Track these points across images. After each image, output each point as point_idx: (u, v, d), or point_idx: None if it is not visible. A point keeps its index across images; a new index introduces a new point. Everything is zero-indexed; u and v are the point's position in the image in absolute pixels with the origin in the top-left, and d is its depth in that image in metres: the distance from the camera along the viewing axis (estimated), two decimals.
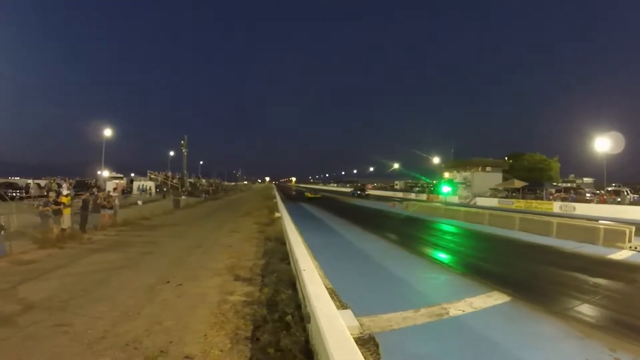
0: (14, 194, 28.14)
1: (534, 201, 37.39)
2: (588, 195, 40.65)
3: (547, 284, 9.58)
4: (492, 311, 7.39)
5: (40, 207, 14.55)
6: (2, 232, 10.70)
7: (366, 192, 68.20)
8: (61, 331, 5.52)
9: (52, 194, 14.03)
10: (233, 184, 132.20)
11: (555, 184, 49.70)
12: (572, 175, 69.70)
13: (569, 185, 54.77)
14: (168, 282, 8.34)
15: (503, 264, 12.10)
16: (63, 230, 13.34)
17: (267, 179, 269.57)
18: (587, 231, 15.79)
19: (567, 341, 5.94)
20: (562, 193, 41.15)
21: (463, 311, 7.27)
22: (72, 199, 15.55)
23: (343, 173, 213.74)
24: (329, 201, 50.43)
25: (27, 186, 35.60)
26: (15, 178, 60.97)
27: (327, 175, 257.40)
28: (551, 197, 39.75)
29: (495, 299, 8.11)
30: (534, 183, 45.91)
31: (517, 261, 12.62)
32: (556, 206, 33.50)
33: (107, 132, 37.77)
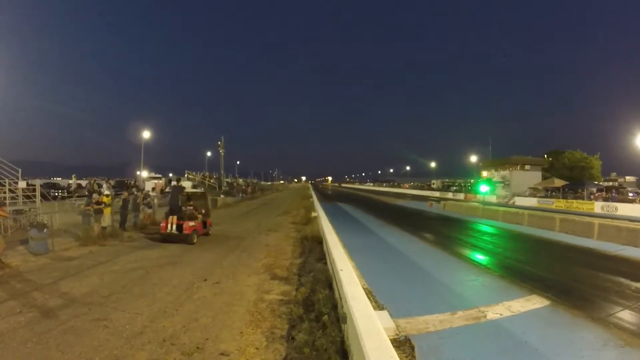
0: (56, 194, 29.52)
1: (574, 201, 35.91)
2: (631, 194, 38.70)
3: (587, 287, 9.19)
4: (530, 315, 7.17)
5: (82, 206, 15.16)
6: (45, 230, 11.13)
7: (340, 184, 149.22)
8: (101, 326, 5.72)
9: (96, 196, 14.53)
10: (269, 183, 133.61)
11: (596, 182, 47.53)
12: (614, 173, 66.66)
13: (610, 184, 52.35)
14: (205, 279, 8.54)
15: (542, 267, 11.67)
16: (104, 228, 13.82)
17: (304, 178, 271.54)
18: (630, 233, 15.06)
19: (607, 349, 5.70)
20: (603, 192, 39.32)
21: (501, 315, 7.09)
22: (112, 198, 16.08)
23: (379, 172, 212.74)
24: (366, 201, 50.34)
25: (69, 186, 37.29)
26: (57, 178, 64.12)
27: (363, 174, 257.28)
28: (592, 196, 38.06)
29: (534, 303, 7.87)
30: (575, 182, 44.05)
31: (556, 264, 12.17)
32: (597, 206, 32.04)
33: (146, 134, 38.87)
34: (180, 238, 12.91)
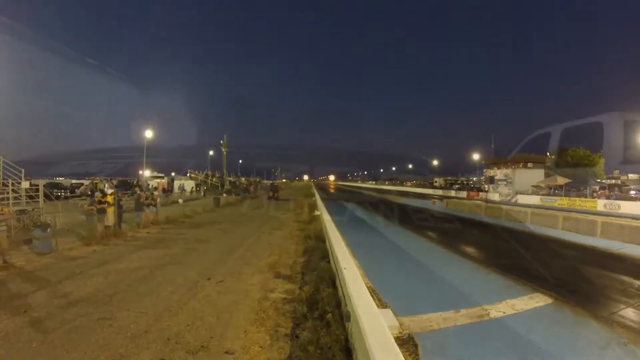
0: (60, 194, 29.60)
1: (577, 199, 35.74)
2: (633, 192, 38.50)
3: (590, 286, 9.19)
4: (533, 314, 7.18)
5: (86, 206, 15.21)
6: (49, 230, 11.17)
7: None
8: (105, 325, 5.75)
9: (98, 194, 14.57)
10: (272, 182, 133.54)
11: (599, 180, 47.29)
12: (617, 171, 66.37)
13: (613, 182, 52.11)
14: (209, 278, 8.55)
15: (545, 265, 11.63)
16: (107, 227, 13.85)
17: (306, 177, 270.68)
18: (633, 231, 14.98)
19: (610, 347, 5.71)
20: (606, 190, 39.11)
21: (504, 313, 7.09)
22: (115, 197, 16.10)
23: (382, 170, 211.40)
24: (368, 199, 50.28)
25: (72, 186, 37.38)
26: (60, 178, 64.30)
27: (365, 172, 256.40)
28: (595, 194, 37.88)
29: (537, 301, 7.87)
30: (578, 180, 43.85)
31: (560, 262, 12.13)
32: (600, 204, 31.84)
33: (148, 134, 38.63)
34: (275, 199, 38.74)
